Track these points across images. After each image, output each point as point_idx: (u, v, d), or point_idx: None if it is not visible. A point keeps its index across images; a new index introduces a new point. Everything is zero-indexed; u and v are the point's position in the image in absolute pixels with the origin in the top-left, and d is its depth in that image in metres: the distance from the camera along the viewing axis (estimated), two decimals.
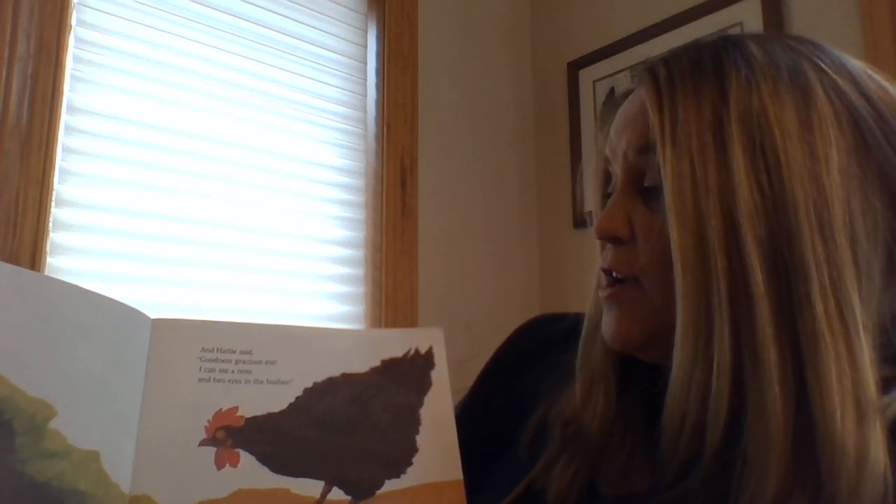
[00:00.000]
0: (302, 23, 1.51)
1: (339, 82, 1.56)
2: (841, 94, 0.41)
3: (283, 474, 0.43)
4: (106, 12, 1.24)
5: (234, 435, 0.42)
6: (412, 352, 0.49)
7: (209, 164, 1.33)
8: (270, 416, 0.44)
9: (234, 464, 0.42)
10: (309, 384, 0.46)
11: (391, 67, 1.61)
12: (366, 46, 1.63)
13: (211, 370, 0.44)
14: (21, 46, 1.13)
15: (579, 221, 1.73)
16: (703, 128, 0.40)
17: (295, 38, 1.50)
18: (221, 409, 0.43)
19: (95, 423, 0.39)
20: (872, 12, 1.17)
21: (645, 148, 0.44)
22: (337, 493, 0.43)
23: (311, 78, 1.50)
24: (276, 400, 0.44)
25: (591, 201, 0.53)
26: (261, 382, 0.45)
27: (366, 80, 1.61)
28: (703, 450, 0.39)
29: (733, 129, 0.39)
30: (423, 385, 0.48)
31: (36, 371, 0.38)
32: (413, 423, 0.47)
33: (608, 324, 0.47)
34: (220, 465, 0.42)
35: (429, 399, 0.48)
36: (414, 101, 1.65)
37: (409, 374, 0.49)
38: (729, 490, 0.38)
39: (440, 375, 0.49)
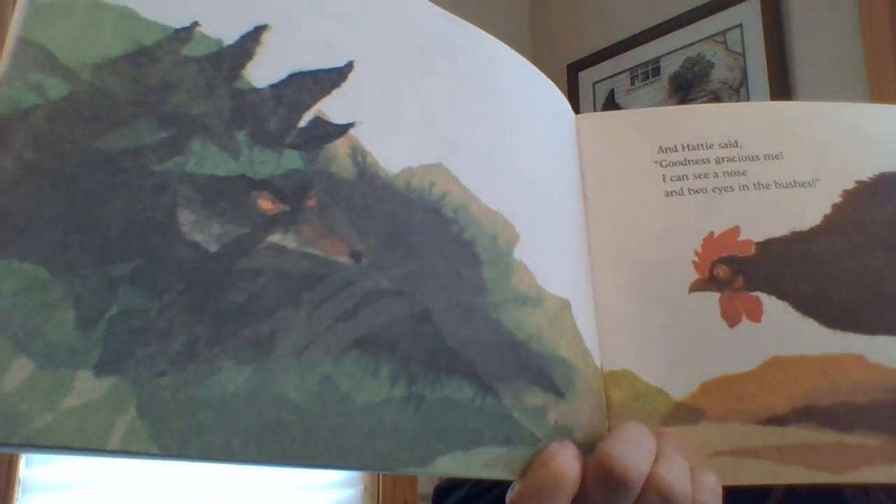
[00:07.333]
0: None
1: None
2: None
3: (845, 330, 0.28)
4: None
5: (743, 270, 0.29)
6: None
7: None
8: (798, 238, 0.30)
9: (755, 316, 0.28)
10: (848, 184, 0.30)
11: None
12: None
13: (681, 178, 0.31)
14: None
15: None
16: None
17: None
18: (712, 232, 0.30)
19: (556, 257, 0.27)
20: (872, 13, 1.14)
21: None
22: None
23: None
24: (799, 212, 0.30)
25: None
26: (765, 187, 0.30)
27: None
28: None
29: None
30: None
31: (486, 170, 0.26)
32: None
33: None
34: (731, 319, 0.28)
35: None
36: None
37: None
38: None
39: None
